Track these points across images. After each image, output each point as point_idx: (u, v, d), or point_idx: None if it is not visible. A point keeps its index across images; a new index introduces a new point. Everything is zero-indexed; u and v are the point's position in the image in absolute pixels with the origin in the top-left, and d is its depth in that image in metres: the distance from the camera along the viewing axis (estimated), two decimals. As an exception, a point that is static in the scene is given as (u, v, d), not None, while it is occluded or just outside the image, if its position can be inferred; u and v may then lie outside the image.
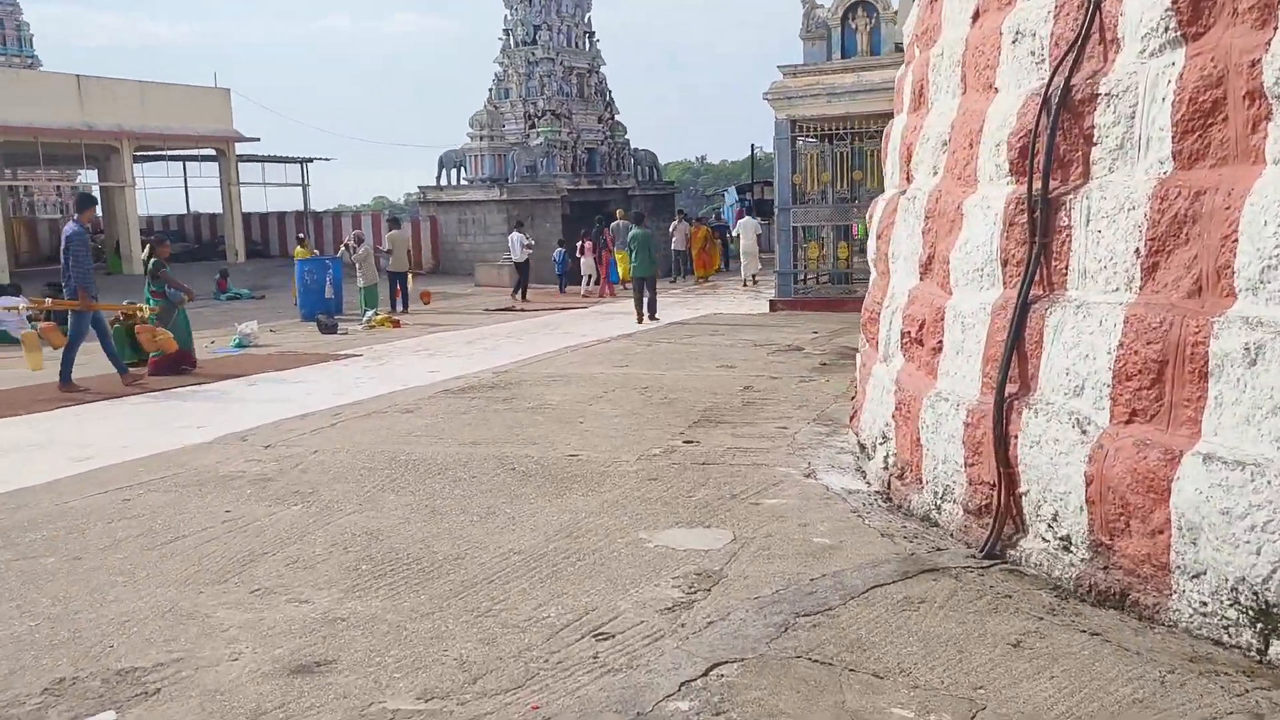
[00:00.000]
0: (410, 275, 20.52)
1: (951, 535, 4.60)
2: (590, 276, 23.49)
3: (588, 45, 31.87)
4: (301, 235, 24.70)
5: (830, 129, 16.54)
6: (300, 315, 18.63)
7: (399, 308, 19.26)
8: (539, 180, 29.25)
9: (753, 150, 34.62)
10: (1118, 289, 3.83)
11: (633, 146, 32.78)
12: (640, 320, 15.77)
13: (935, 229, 5.06)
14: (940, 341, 4.84)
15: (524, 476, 6.03)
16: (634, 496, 5.49)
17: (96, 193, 29.65)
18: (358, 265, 18.56)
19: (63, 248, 9.92)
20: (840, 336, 12.99)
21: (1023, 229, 4.28)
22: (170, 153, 28.22)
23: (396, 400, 9.04)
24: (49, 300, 10.57)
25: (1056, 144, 4.15)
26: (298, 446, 7.13)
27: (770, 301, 17.26)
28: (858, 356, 6.61)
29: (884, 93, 15.83)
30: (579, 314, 17.99)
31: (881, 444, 5.51)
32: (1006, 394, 4.23)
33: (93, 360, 12.67)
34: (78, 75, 23.99)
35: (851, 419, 6.19)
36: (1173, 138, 3.66)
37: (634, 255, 16.32)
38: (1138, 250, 3.74)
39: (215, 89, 27.22)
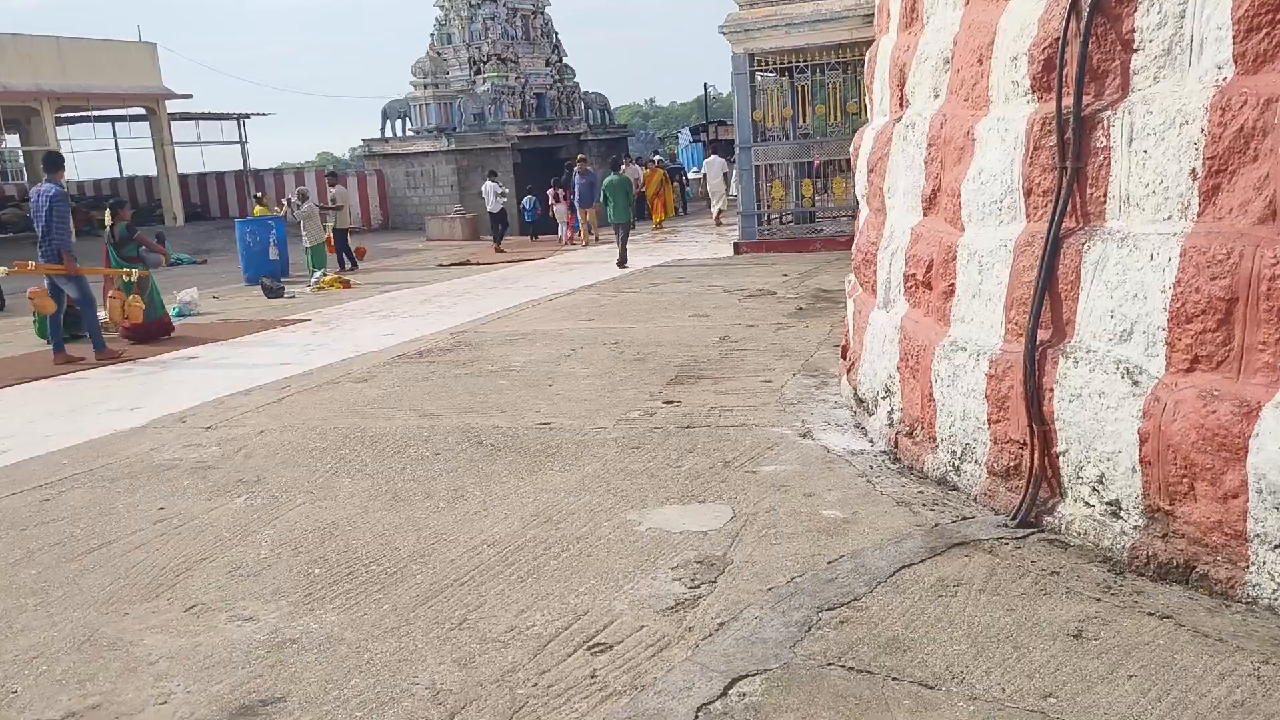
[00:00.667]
0: (349, 233, 19.80)
1: (975, 500, 4.13)
2: (565, 224, 23.01)
3: (531, -15, 30.68)
4: (259, 194, 23.04)
5: (789, 62, 15.89)
6: (244, 279, 17.75)
7: (347, 266, 18.49)
8: (487, 128, 28.25)
9: (705, 90, 33.86)
10: (1170, 217, 3.34)
11: (583, 90, 31.79)
12: (620, 265, 15.58)
13: (940, 158, 4.52)
14: (952, 284, 4.34)
15: (493, 451, 5.48)
16: (616, 469, 4.97)
17: (20, 158, 28.22)
18: (301, 224, 17.69)
19: (42, 209, 9.26)
20: (811, 278, 12.50)
21: (1050, 153, 3.76)
22: (97, 113, 26.78)
23: (349, 369, 8.41)
24: (33, 264, 9.65)
25: (1089, 53, 3.62)
26: (241, 427, 6.51)
27: (735, 244, 16.70)
28: (849, 302, 6.11)
29: (844, 21, 15.23)
30: (538, 266, 17.32)
31: (884, 398, 5.02)
32: (1038, 341, 3.74)
33: (18, 338, 11.86)
34: (-11, 33, 22.55)
35: (848, 371, 5.69)
36: (1234, 38, 3.14)
37: (611, 202, 16.29)
38: (1194, 171, 3.24)
39: (140, 44, 25.76)
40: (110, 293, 10.89)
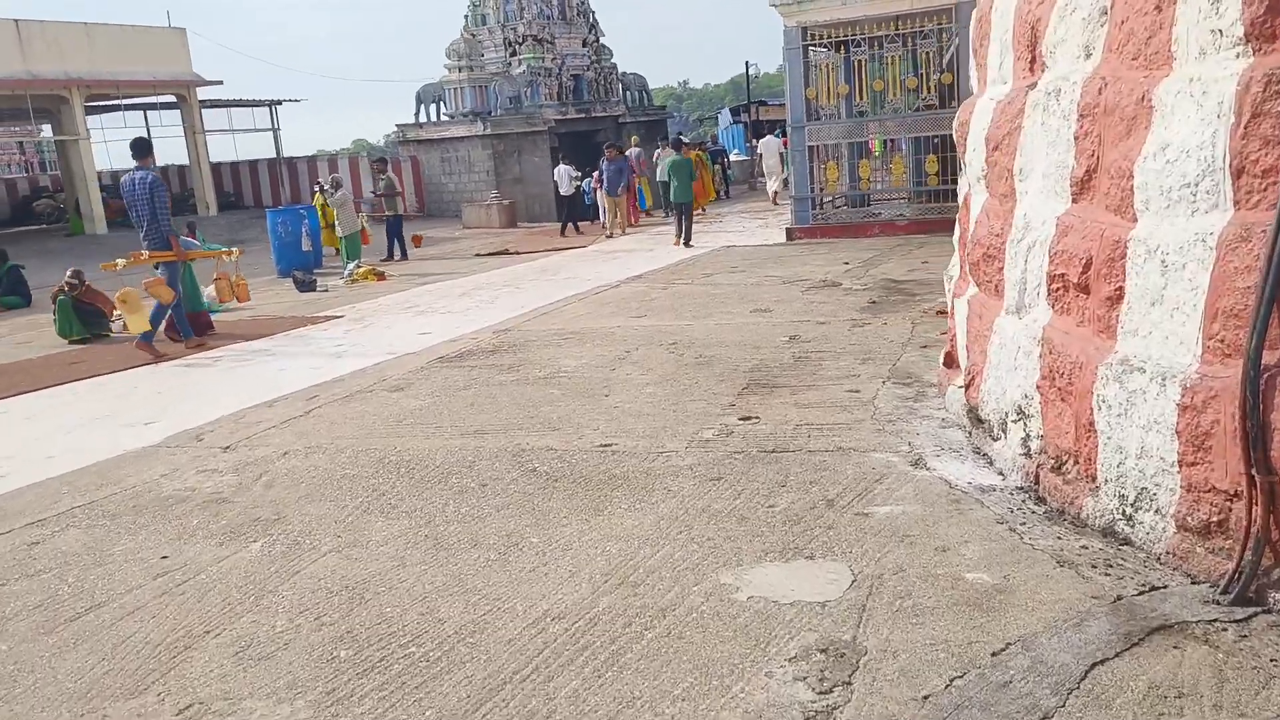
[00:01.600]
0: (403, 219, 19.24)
1: (1158, 561, 3.30)
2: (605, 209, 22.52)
3: (567, -37, 29.82)
4: (320, 183, 21.36)
5: (845, 35, 14.93)
6: (277, 271, 17.17)
7: (397, 255, 17.87)
8: (524, 111, 27.50)
9: (747, 68, 32.71)
10: None
11: (620, 71, 30.92)
12: (678, 244, 15.98)
13: (1098, 132, 3.67)
14: (1120, 288, 3.49)
15: (548, 481, 4.72)
16: (696, 509, 4.19)
17: (52, 146, 27.88)
18: (335, 212, 17.06)
19: (141, 197, 9.13)
20: (876, 267, 11.62)
21: (1275, 122, 2.90)
22: (127, 101, 26.33)
23: (384, 374, 7.69)
24: (146, 253, 9.42)
25: (1338, -11, 2.76)
26: (263, 447, 5.80)
27: (787, 230, 15.81)
28: (957, 303, 5.26)
29: (906, -11, 14.23)
30: (579, 255, 16.54)
31: (1016, 422, 4.19)
32: (1263, 366, 2.90)
33: (40, 336, 11.30)
34: (16, 20, 22.07)
35: (967, 388, 4.85)
36: None
37: (674, 180, 16.74)
38: None
39: (170, 29, 25.26)
40: (215, 274, 10.93)
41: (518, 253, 17.84)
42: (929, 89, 14.57)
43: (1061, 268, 3.82)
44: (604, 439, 5.36)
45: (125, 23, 24.78)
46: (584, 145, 27.97)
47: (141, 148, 9.48)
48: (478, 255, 18.00)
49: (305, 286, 14.28)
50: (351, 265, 15.87)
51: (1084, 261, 3.67)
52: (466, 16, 29.35)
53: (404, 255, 18.17)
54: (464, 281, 13.76)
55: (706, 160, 24.85)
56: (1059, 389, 3.82)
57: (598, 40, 30.41)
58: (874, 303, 8.99)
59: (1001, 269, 4.41)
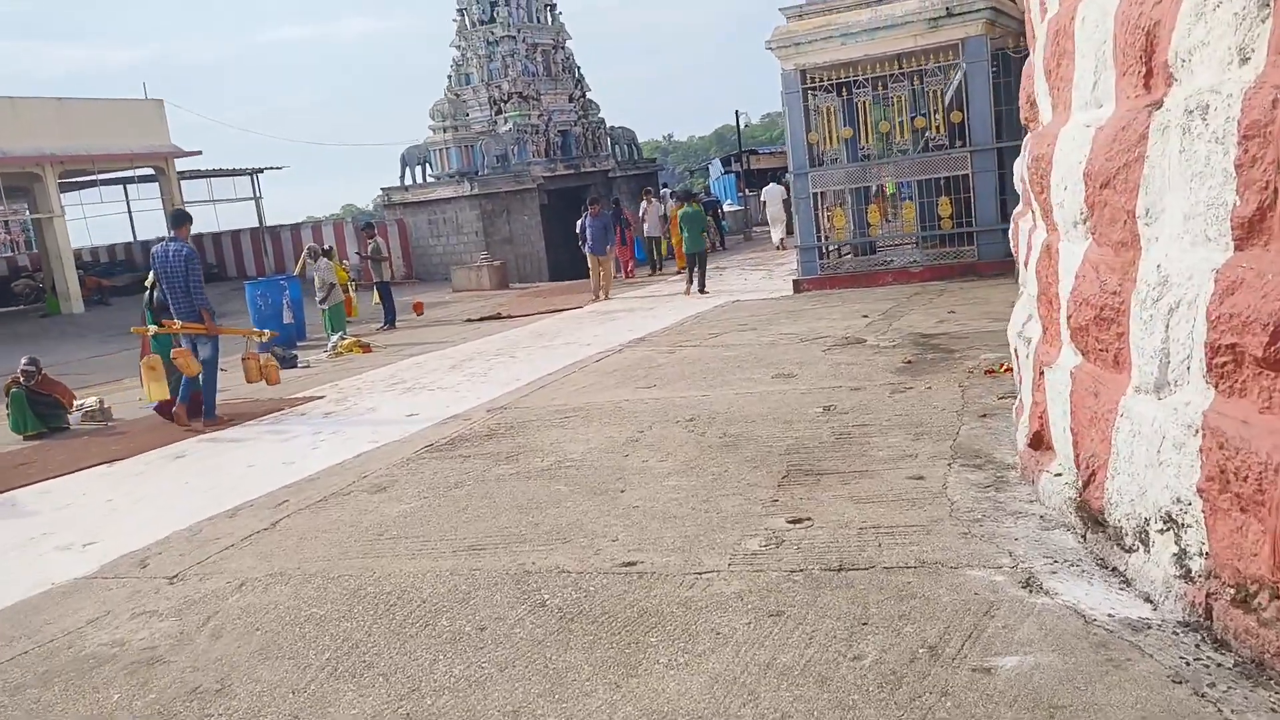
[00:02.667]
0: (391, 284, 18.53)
1: None
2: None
3: (550, 19, 29.39)
4: (325, 247, 19.90)
5: (845, 76, 14.22)
6: (256, 346, 16.25)
7: (383, 325, 17.05)
8: (512, 170, 26.83)
9: (737, 117, 32.22)
10: None
11: (609, 125, 30.37)
12: (689, 293, 16.35)
13: (1273, 158, 2.79)
14: (1329, 364, 2.58)
15: (562, 622, 3.75)
16: (758, 663, 3.23)
17: (29, 227, 27.15)
18: (316, 282, 16.20)
19: (178, 269, 9.04)
20: (898, 319, 10.75)
21: None
22: (104, 176, 25.62)
23: (365, 469, 6.74)
24: (178, 324, 9.20)
25: None
26: (217, 576, 4.84)
27: (794, 281, 14.98)
28: (1047, 373, 4.34)
29: (907, 27, 13.59)
30: (575, 317, 15.67)
31: (1164, 532, 3.26)
32: None
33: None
34: (-14, 99, 21.38)
35: (1087, 483, 3.92)
36: None
37: (686, 232, 16.95)
38: None
39: (146, 101, 24.61)
40: (244, 354, 10.39)
41: (510, 316, 16.98)
42: (938, 128, 13.83)
43: (1231, 336, 2.92)
44: (626, 554, 4.41)
45: (102, 96, 24.06)
46: (574, 201, 27.28)
47: (179, 218, 9.49)
48: (469, 320, 17.13)
49: (285, 363, 13.33)
50: (335, 337, 14.98)
51: (1270, 330, 2.76)
52: (450, 76, 28.84)
53: (392, 324, 17.33)
54: (455, 351, 12.86)
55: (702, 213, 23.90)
56: (1236, 495, 2.89)
57: (584, 95, 29.90)
58: (909, 363, 8.09)
59: (1124, 335, 3.50)
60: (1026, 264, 5.33)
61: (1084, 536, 3.82)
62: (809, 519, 4.57)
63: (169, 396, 9.41)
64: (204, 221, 29.19)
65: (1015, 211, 6.45)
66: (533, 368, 10.54)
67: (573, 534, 4.79)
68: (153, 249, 9.63)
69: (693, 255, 16.78)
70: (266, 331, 11.80)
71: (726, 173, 36.73)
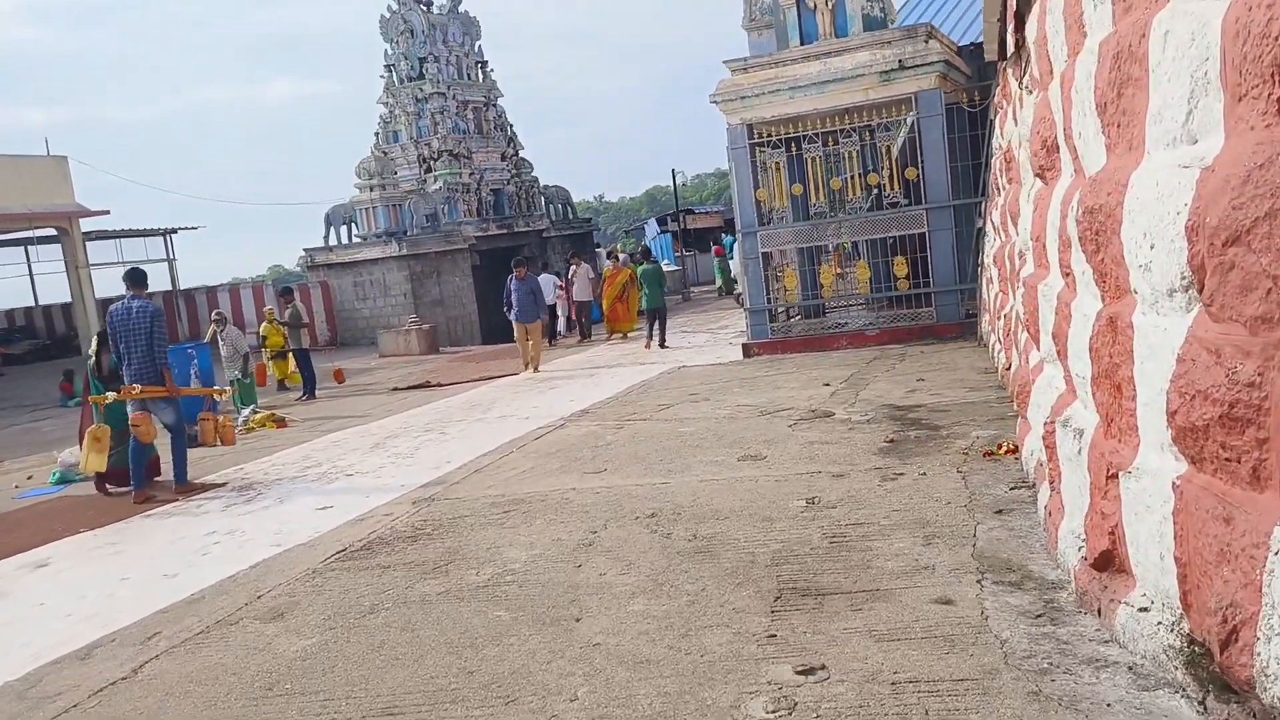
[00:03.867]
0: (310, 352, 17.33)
1: None
2: (565, 319, 22.19)
3: (481, 76, 28.69)
4: (218, 313, 18.72)
5: (794, 131, 13.58)
6: (214, 405, 14.87)
7: (303, 395, 15.79)
8: (442, 229, 25.84)
9: (674, 176, 31.69)
10: None
11: (542, 184, 29.61)
12: (649, 347, 16.81)
13: None
14: None
15: None
16: None
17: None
18: (225, 351, 14.92)
19: (141, 326, 8.60)
20: (864, 387, 9.92)
21: None
22: (3, 237, 23.92)
23: (261, 585, 5.59)
24: (137, 388, 8.67)
25: None
26: (45, 756, 3.66)
27: (744, 345, 14.16)
28: (1130, 481, 3.43)
29: (857, 80, 13.03)
30: (512, 384, 14.61)
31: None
32: None
33: None
34: None
35: (1225, 645, 2.99)
36: None
37: (646, 290, 17.23)
38: None
39: (48, 158, 23.04)
40: (201, 415, 10.09)
41: (440, 384, 15.84)
42: (893, 185, 13.22)
43: None
44: (591, 724, 3.36)
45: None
46: (508, 262, 26.35)
47: (137, 278, 9.03)
48: (395, 389, 15.96)
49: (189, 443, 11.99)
50: (246, 411, 13.70)
51: None
52: (377, 133, 27.88)
53: (312, 394, 16.06)
54: (378, 426, 11.69)
55: (634, 278, 19.99)
56: None
57: (517, 153, 29.15)
58: (892, 441, 7.20)
59: (1267, 443, 2.61)
60: (1059, 337, 4.48)
61: (1204, 705, 2.89)
62: (822, 667, 3.58)
63: (104, 469, 9.00)
64: (112, 285, 27.49)
65: (988, 271, 5.66)
66: (465, 446, 9.44)
67: (519, 689, 3.72)
68: (110, 309, 9.02)
69: (653, 311, 17.14)
70: (226, 389, 11.51)
71: (663, 232, 36.17)
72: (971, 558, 4.55)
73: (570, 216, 30.71)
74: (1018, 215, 8.47)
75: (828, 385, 10.36)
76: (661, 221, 37.37)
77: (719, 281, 30.71)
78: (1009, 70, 9.88)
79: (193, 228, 27.69)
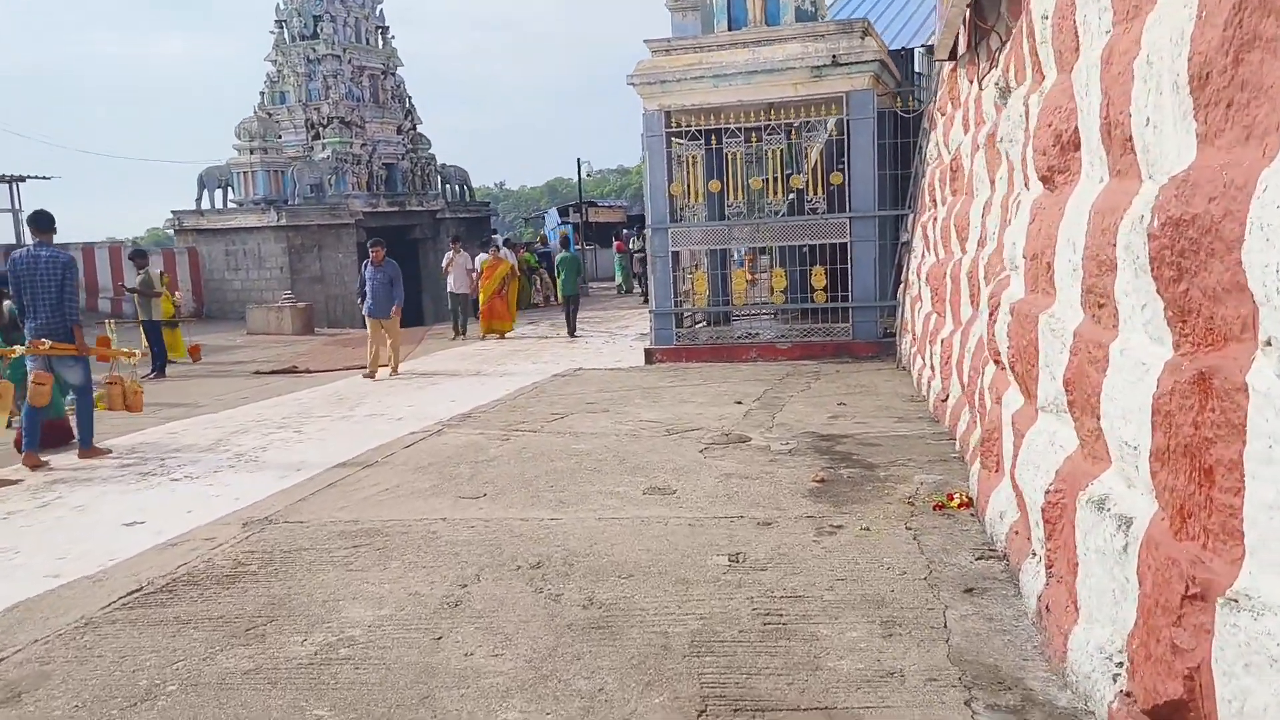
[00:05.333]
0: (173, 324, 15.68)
1: None
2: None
3: (381, 42, 26.93)
4: (161, 271, 16.28)
5: (716, 122, 12.56)
6: (126, 369, 12.94)
7: (152, 371, 13.96)
8: (327, 201, 24.04)
9: (579, 165, 30.37)
10: None
11: (439, 162, 28.01)
12: (571, 335, 17.26)
13: None
14: None
15: None
16: None
17: None
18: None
19: (51, 277, 7.95)
20: (779, 408, 8.94)
21: None
22: None
23: (7, 642, 4.21)
24: (46, 343, 7.99)
25: None
26: None
27: (646, 350, 13.08)
28: (1226, 611, 2.43)
29: (787, 74, 12.08)
30: (384, 378, 13.20)
31: None
32: None
33: None
34: None
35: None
36: None
37: (563, 277, 17.59)
38: None
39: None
40: (108, 377, 9.17)
41: (309, 371, 14.30)
42: (815, 189, 12.32)
43: None
44: None
45: None
46: (397, 241, 24.71)
47: (43, 221, 8.22)
48: (257, 373, 14.35)
49: (-5, 422, 10.25)
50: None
51: None
52: (263, 93, 25.87)
53: (161, 371, 14.30)
54: (227, 418, 10.18)
55: (514, 272, 18.96)
56: None
57: (414, 127, 27.48)
58: (822, 482, 6.18)
59: None
60: (1078, 385, 3.48)
61: None
62: None
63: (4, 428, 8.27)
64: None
65: (907, 290, 4.72)
66: (322, 450, 8.09)
67: None
68: (12, 255, 8.26)
69: (569, 298, 17.62)
70: (138, 351, 10.68)
71: (563, 223, 34.89)
72: (949, 660, 3.53)
73: (468, 199, 29.17)
74: (965, 229, 7.60)
75: (740, 403, 9.35)
76: (563, 212, 36.05)
77: (619, 278, 29.72)
78: (958, 72, 9.07)
79: (44, 177, 25.17)
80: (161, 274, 16.84)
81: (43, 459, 8.02)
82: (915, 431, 7.62)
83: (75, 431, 8.47)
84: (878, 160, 12.13)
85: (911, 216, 11.80)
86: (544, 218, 40.47)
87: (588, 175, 38.06)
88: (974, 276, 6.90)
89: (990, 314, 5.13)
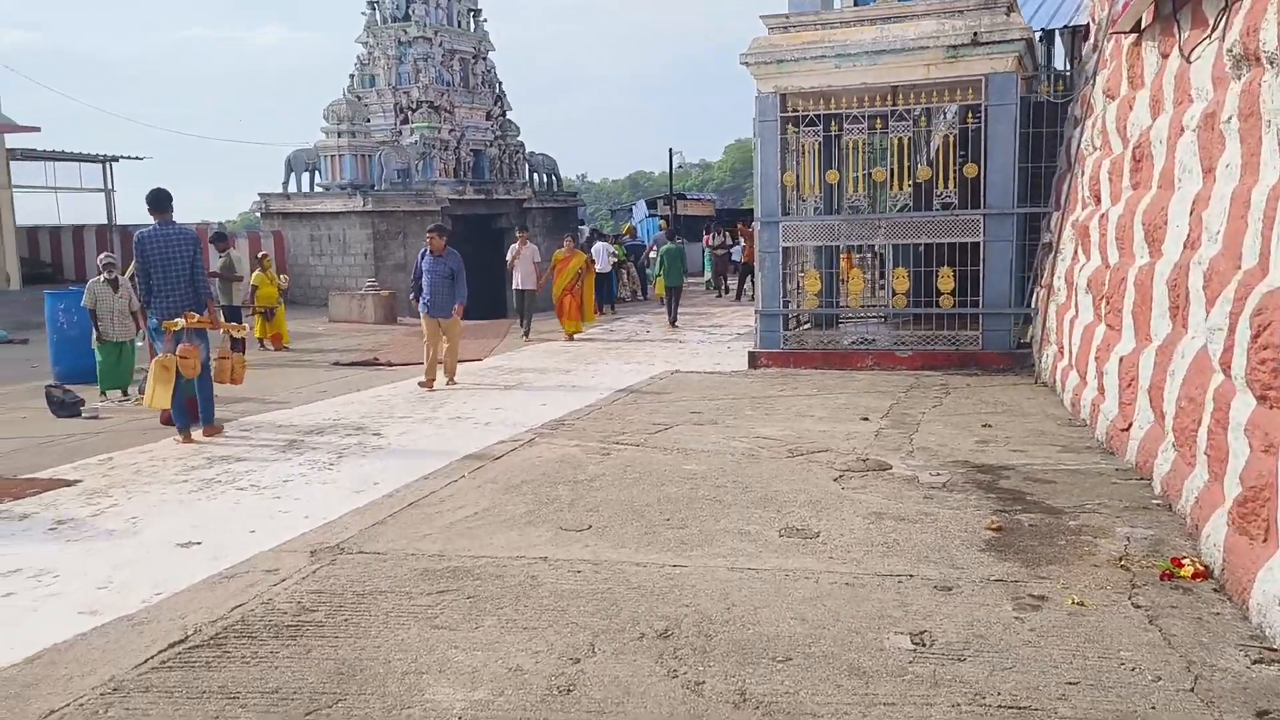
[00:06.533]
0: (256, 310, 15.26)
1: None
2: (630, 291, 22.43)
3: (473, 24, 26.25)
4: (263, 254, 16.57)
5: (837, 106, 11.44)
6: (53, 376, 12.50)
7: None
8: (413, 187, 23.45)
9: (670, 156, 29.36)
10: None
11: (528, 150, 27.27)
12: (672, 325, 17.64)
13: None
14: None
15: None
16: None
17: None
18: (116, 306, 12.39)
19: (180, 254, 8.08)
20: (915, 429, 7.83)
21: None
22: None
23: (26, 709, 3.39)
24: (196, 316, 8.18)
25: None
26: None
27: (750, 354, 12.04)
28: None
29: (920, 54, 10.93)
30: (471, 374, 12.38)
31: None
32: None
33: None
34: None
35: None
36: None
37: (667, 267, 17.84)
38: None
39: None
40: (220, 351, 8.97)
41: (389, 364, 13.58)
42: (945, 182, 11.13)
43: None
44: None
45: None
46: (483, 230, 24.04)
47: (162, 200, 8.15)
48: (337, 364, 13.69)
49: (63, 409, 9.69)
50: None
51: None
52: (352, 75, 25.39)
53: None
54: (302, 415, 9.44)
55: (590, 264, 17.28)
56: None
57: (504, 114, 26.77)
58: (1000, 530, 5.09)
59: None
60: None
61: None
62: None
63: (169, 405, 8.20)
64: (42, 212, 24.82)
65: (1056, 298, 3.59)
66: (402, 459, 7.26)
67: None
68: (139, 235, 8.20)
69: (671, 289, 18.01)
70: (245, 326, 11.09)
71: (651, 215, 33.94)
72: (1280, 840, 2.46)
73: (555, 188, 28.39)
74: (1159, 228, 6.40)
75: (867, 419, 8.27)
76: (651, 204, 35.13)
77: (707, 274, 28.67)
78: (1141, 47, 7.84)
79: (137, 158, 25.06)
80: (263, 256, 16.51)
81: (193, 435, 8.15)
82: (1088, 465, 6.46)
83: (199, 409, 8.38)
84: (1018, 152, 10.89)
85: (1056, 215, 10.55)
86: (631, 209, 39.58)
87: (679, 165, 36.96)
88: (1178, 285, 5.72)
89: (1254, 336, 4.00)
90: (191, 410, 8.25)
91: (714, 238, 28.88)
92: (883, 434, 7.69)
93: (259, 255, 16.87)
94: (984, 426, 7.89)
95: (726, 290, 26.02)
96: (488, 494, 6.12)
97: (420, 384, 10.99)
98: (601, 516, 5.53)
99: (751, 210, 14.99)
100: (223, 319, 10.32)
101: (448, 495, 6.12)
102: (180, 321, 8.01)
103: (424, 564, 4.77)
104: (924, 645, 3.68)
